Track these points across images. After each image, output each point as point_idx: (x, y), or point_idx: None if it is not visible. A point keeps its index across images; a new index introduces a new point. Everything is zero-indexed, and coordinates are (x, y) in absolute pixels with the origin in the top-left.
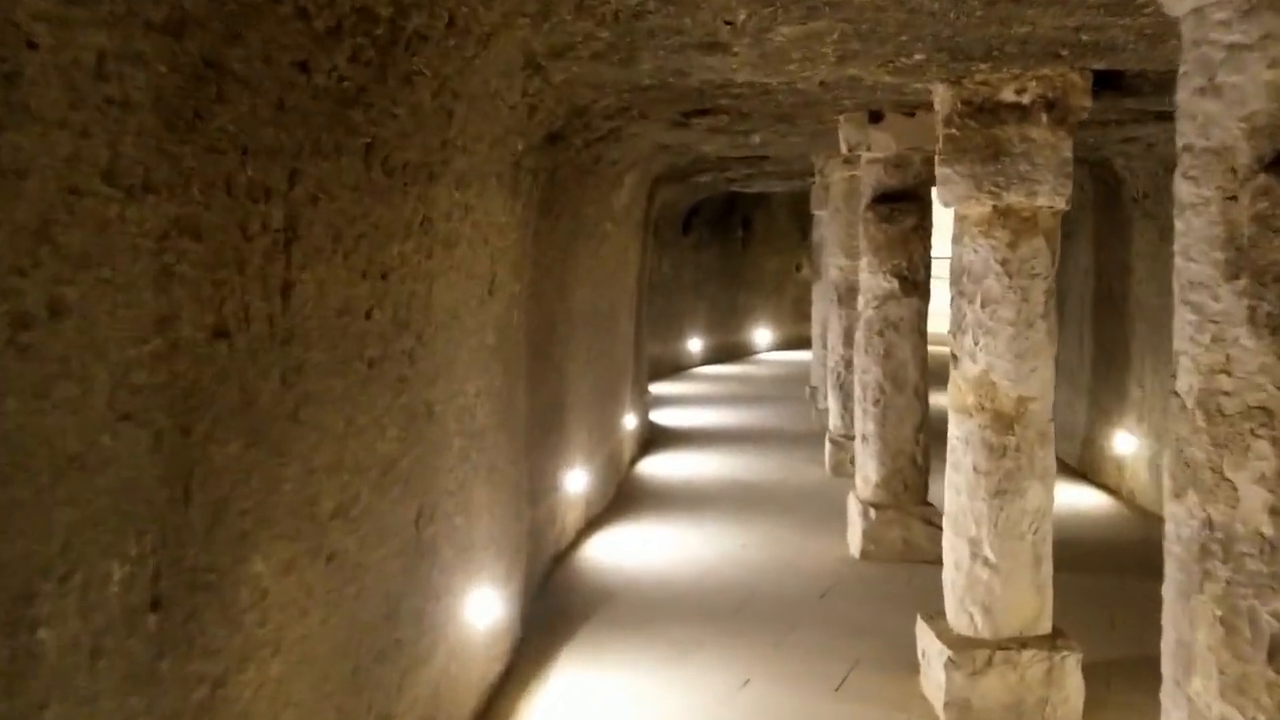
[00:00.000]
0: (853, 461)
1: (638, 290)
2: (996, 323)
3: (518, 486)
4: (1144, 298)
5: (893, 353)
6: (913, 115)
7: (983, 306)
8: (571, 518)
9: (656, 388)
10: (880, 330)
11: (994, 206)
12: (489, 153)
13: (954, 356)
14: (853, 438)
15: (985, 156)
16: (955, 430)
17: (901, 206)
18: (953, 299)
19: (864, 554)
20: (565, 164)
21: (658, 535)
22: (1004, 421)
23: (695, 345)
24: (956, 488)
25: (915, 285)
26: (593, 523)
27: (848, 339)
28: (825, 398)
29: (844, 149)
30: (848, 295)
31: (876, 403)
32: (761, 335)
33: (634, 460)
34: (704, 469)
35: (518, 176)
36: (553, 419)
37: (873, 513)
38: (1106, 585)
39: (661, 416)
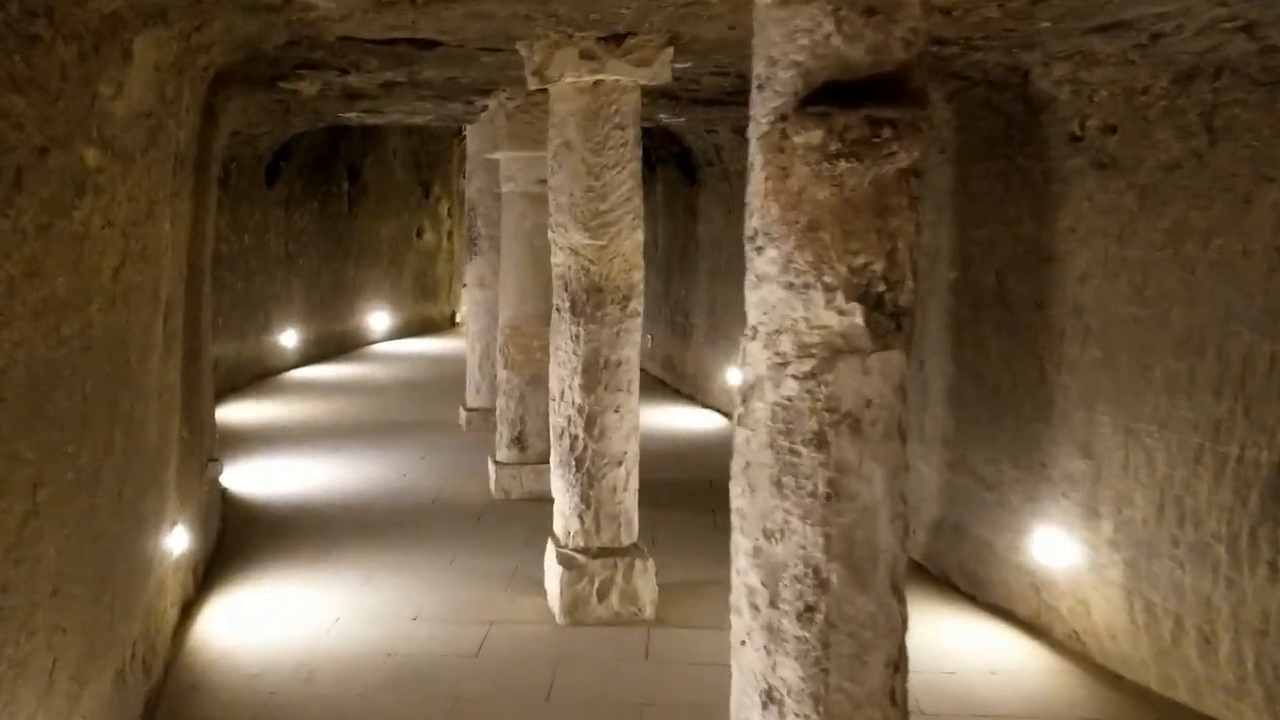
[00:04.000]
0: None
1: (191, 276)
2: None
3: None
4: (1091, 303)
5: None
6: None
7: None
8: None
9: (231, 411)
10: (817, 442)
11: None
12: None
13: None
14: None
15: None
16: None
17: (881, 119)
18: None
19: None
20: None
21: None
22: None
23: (289, 339)
24: None
25: (898, 319)
26: None
27: (587, 378)
28: (503, 438)
29: None
30: (589, 300)
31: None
32: (378, 320)
33: (183, 614)
34: (334, 625)
35: None
36: None
37: None
38: None
39: (241, 477)
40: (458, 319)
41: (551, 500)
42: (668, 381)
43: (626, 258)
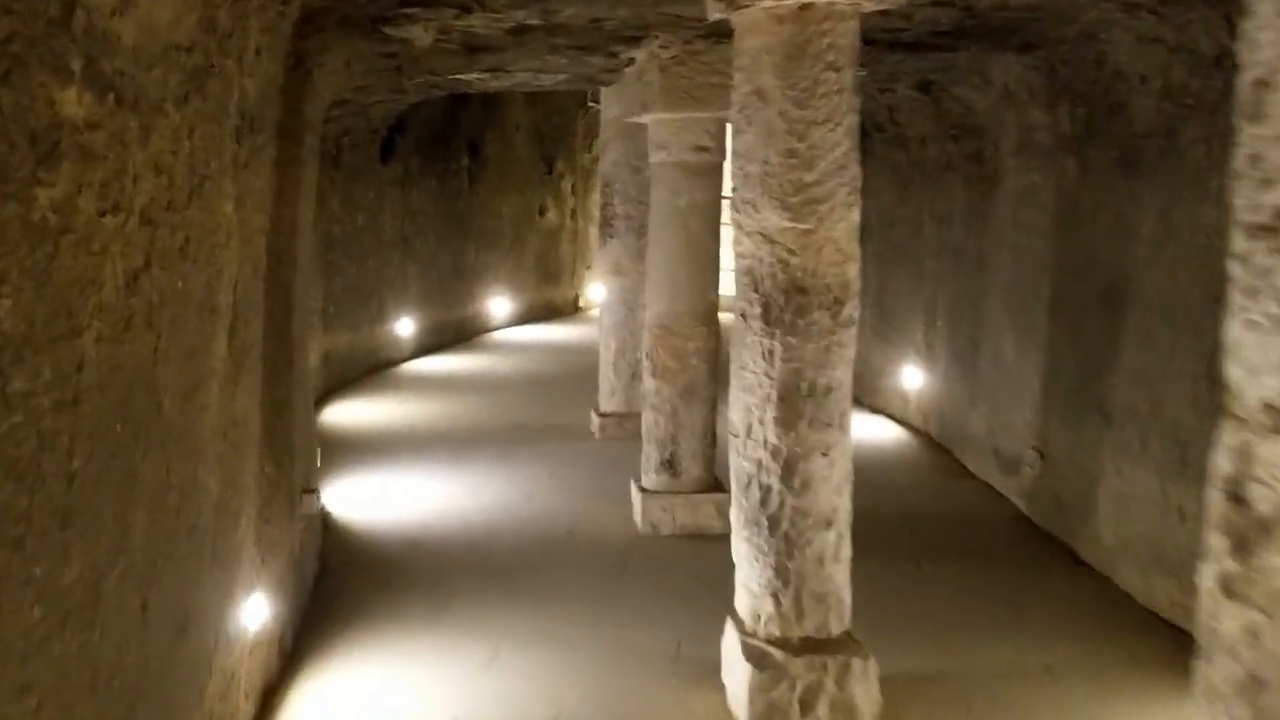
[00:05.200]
0: None
1: (276, 269)
2: None
3: None
4: None
5: None
6: None
7: None
8: None
9: (340, 411)
10: None
11: None
12: None
13: None
14: None
15: None
16: None
17: None
18: None
19: None
20: None
21: None
22: None
23: (405, 328)
24: None
25: None
26: None
27: (785, 408)
28: (651, 460)
29: None
30: (789, 303)
31: None
32: (498, 305)
33: (264, 703)
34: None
35: None
36: None
37: None
38: None
39: (347, 497)
40: (581, 303)
41: (710, 538)
42: None
43: (839, 246)
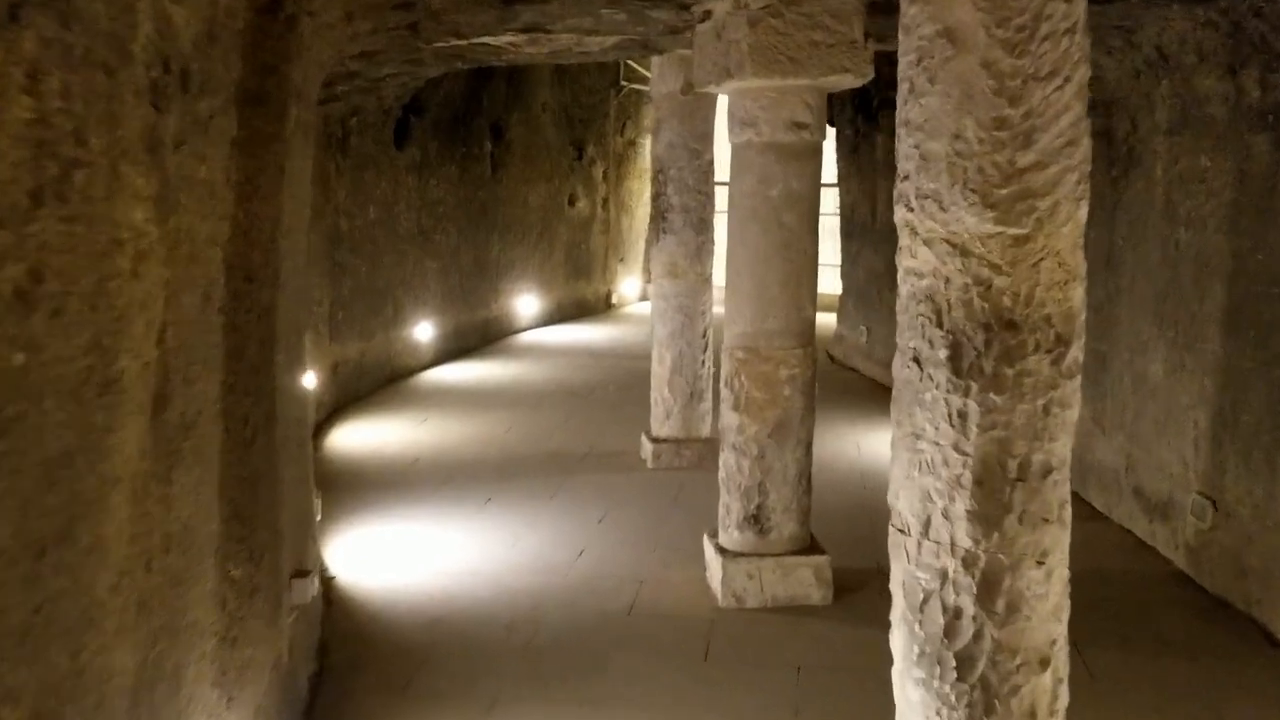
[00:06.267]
0: None
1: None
2: None
3: None
4: None
5: None
6: None
7: None
8: None
9: (350, 434)
10: None
11: None
12: None
13: None
14: None
15: None
16: None
17: None
18: None
19: None
20: None
21: None
22: None
23: (423, 332)
24: None
25: None
26: None
27: (983, 496)
28: (732, 513)
29: None
30: (991, 344)
31: None
32: (525, 304)
33: None
34: None
35: None
36: None
37: None
38: None
39: (357, 554)
40: (614, 300)
41: (807, 611)
42: (874, 376)
43: (1063, 260)
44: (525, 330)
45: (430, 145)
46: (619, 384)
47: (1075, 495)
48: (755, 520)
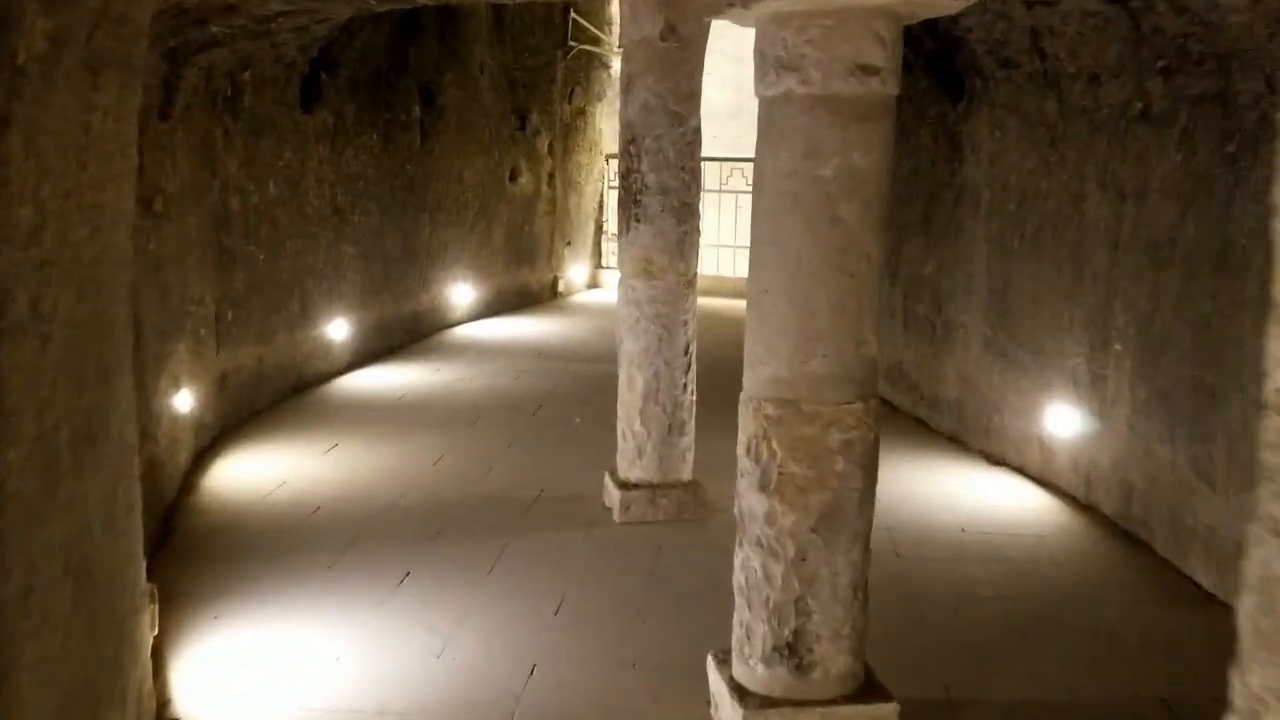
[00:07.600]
0: None
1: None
2: None
3: None
4: None
5: None
6: None
7: None
8: None
9: (228, 474)
10: None
11: None
12: None
13: None
14: None
15: None
16: None
17: None
18: None
19: None
20: None
21: None
22: None
23: (338, 330)
24: None
25: None
26: None
27: None
28: (759, 640)
29: None
30: None
31: None
32: (460, 294)
33: None
34: None
35: None
36: None
37: None
38: None
39: (219, 686)
40: (560, 288)
41: None
42: (894, 402)
43: None
44: (460, 324)
45: (346, 108)
46: (571, 395)
47: (1174, 569)
48: (791, 651)
